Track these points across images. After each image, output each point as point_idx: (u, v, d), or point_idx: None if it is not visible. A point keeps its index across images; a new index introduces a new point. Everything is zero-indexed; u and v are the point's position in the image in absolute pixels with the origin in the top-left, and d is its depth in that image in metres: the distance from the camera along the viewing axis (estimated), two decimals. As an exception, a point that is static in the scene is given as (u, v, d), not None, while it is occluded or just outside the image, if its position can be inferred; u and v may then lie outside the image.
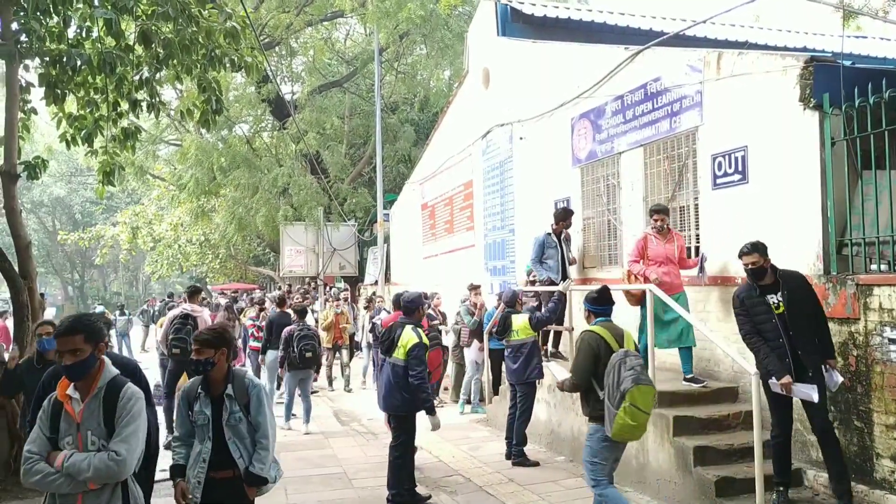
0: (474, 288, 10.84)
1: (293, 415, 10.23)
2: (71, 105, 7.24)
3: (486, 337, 9.80)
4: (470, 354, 10.68)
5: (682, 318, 6.63)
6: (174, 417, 4.16)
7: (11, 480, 6.51)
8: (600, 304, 5.30)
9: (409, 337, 6.20)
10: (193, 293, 9.43)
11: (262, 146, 22.26)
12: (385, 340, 6.43)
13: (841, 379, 5.28)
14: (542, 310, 8.29)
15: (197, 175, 19.46)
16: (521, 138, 11.03)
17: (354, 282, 21.59)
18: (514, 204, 11.41)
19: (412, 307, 6.46)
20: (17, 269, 6.74)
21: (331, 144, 21.04)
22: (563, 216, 8.75)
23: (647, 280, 6.87)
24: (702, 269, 7.02)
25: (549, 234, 8.65)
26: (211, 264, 29.88)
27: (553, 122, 10.03)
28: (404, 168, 21.71)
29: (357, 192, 21.39)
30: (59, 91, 6.78)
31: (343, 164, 21.18)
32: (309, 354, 9.65)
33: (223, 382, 4.11)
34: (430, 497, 6.51)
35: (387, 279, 18.25)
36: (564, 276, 8.56)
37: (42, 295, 7.32)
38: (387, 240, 18.22)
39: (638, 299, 7.01)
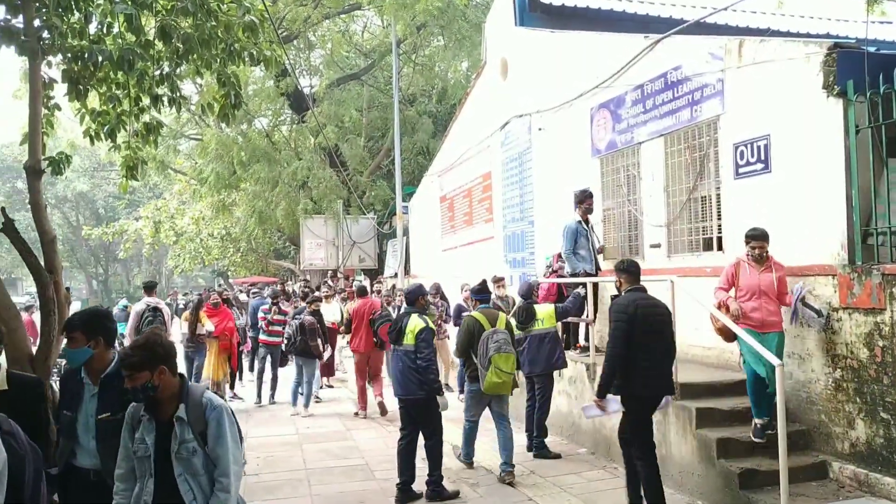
0: (498, 280, 10.68)
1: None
2: (93, 101, 7.30)
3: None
4: None
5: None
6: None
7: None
8: (480, 293, 7.38)
9: (415, 323, 6.52)
10: (151, 287, 10.44)
11: (282, 140, 22.38)
12: (393, 331, 6.75)
13: (597, 413, 5.68)
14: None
15: (217, 169, 19.62)
16: (539, 129, 10.97)
17: (374, 274, 21.67)
18: (534, 195, 11.36)
19: (412, 297, 6.86)
20: (42, 263, 6.83)
21: (349, 137, 21.08)
22: (581, 198, 8.34)
23: (727, 310, 5.95)
24: (795, 314, 6.05)
25: (580, 221, 8.28)
26: (232, 258, 30.10)
27: (572, 112, 9.97)
28: (423, 160, 21.71)
29: (376, 184, 21.46)
30: (81, 87, 6.85)
31: (362, 157, 21.23)
32: (303, 345, 10.27)
33: (174, 402, 3.27)
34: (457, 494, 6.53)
35: (406, 272, 18.28)
36: (597, 267, 8.29)
37: (67, 289, 7.43)
38: (406, 232, 18.24)
39: (727, 334, 6.04)
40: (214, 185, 20.00)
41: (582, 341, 8.70)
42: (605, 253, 9.25)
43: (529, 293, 8.14)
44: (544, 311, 7.86)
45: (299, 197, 19.83)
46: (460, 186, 15.02)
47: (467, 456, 7.44)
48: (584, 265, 8.17)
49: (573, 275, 8.24)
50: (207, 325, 10.51)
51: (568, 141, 10.16)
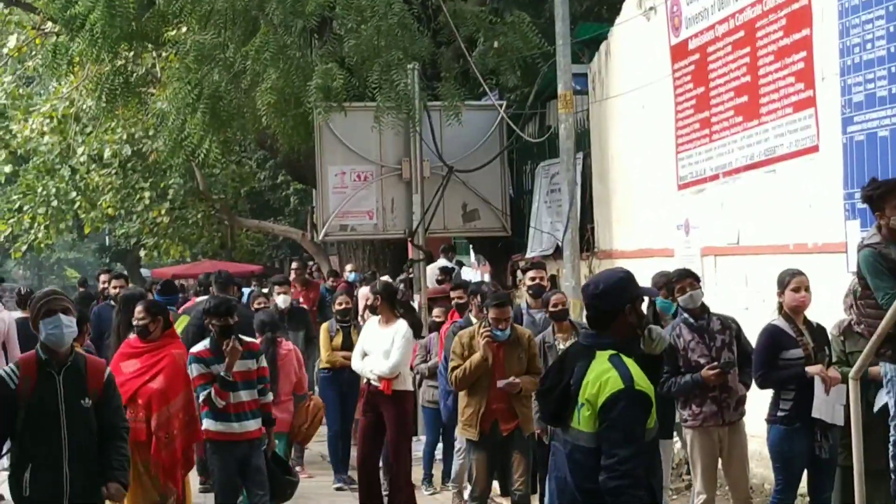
0: None
1: None
2: None
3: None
4: None
5: None
6: None
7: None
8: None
9: (600, 378, 6.63)
10: None
11: None
12: (548, 397, 7.10)
13: None
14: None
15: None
16: None
17: (502, 251, 21.69)
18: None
19: (610, 305, 7.02)
20: None
21: None
22: None
23: None
24: None
25: None
26: (150, 218, 30.77)
27: None
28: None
29: (502, 22, 21.38)
30: None
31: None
32: None
33: None
34: None
35: (586, 246, 18.16)
36: None
37: None
38: (583, 144, 18.15)
39: None
40: (108, 34, 20.39)
41: None
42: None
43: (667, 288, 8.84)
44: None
45: (311, 58, 19.97)
46: (723, 20, 15.13)
47: None
48: None
49: None
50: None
51: None
